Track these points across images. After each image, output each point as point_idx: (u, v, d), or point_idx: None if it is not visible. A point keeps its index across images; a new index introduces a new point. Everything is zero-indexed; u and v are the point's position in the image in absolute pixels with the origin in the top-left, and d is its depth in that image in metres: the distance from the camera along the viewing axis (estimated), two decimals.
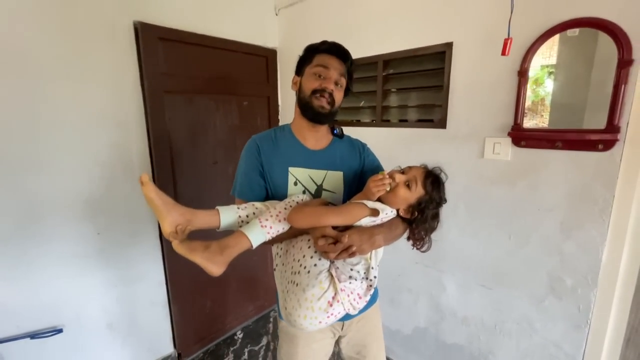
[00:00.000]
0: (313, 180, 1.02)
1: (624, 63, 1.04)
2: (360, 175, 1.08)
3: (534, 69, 1.25)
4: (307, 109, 0.99)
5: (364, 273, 0.88)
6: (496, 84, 1.34)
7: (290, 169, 1.00)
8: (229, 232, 0.87)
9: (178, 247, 0.78)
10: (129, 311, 1.74)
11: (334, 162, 1.05)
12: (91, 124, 1.49)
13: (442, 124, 1.53)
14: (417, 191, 0.87)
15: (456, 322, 1.62)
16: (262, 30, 2.17)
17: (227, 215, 0.88)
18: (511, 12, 1.12)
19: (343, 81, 0.99)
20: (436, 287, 1.66)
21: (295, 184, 1.00)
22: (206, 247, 0.80)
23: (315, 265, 0.85)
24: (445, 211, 0.94)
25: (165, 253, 1.83)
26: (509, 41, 1.15)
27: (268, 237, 0.85)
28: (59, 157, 1.42)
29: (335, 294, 0.84)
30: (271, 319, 2.45)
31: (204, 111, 1.93)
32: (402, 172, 0.89)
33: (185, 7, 1.75)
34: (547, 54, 1.28)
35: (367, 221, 0.85)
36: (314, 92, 0.96)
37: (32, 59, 1.31)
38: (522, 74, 1.24)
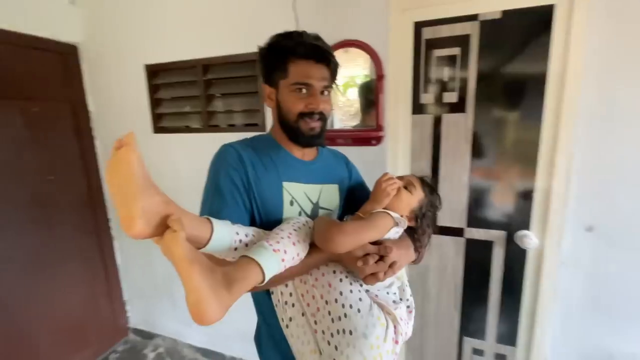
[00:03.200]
0: (309, 198, 0.82)
1: (379, 77, 1.36)
2: (348, 190, 0.93)
3: (357, 78, 1.44)
4: (294, 134, 0.79)
5: (399, 294, 0.75)
6: None
7: (285, 185, 0.79)
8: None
9: (176, 244, 0.47)
10: None
11: (328, 174, 0.89)
12: None
13: (263, 127, 1.63)
14: (418, 194, 0.80)
15: None
16: (51, 20, 1.79)
17: (222, 229, 0.60)
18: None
19: (329, 87, 0.80)
20: None
21: (292, 203, 0.79)
22: (211, 269, 0.50)
23: (360, 299, 0.66)
24: None
25: None
26: None
27: (282, 266, 0.61)
28: None
29: (395, 326, 0.68)
30: None
31: None
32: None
33: None
34: (364, 65, 1.47)
35: (393, 233, 0.74)
36: (301, 115, 0.77)
37: None
38: None
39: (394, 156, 1.42)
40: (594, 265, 1.23)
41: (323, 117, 0.79)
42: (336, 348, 0.63)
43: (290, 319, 0.71)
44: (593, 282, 1.24)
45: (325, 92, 0.79)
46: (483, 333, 1.47)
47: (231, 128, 1.75)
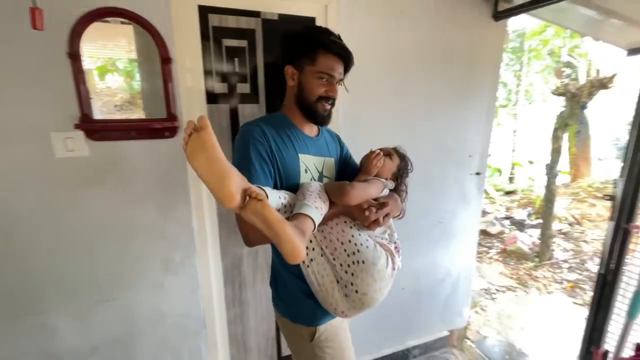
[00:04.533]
0: (316, 168, 1.00)
1: (165, 60, 1.20)
2: (341, 163, 1.12)
3: (122, 62, 1.25)
4: (310, 113, 0.98)
5: (389, 238, 0.98)
6: (47, 66, 1.09)
7: (300, 156, 0.96)
8: None
9: (268, 210, 0.65)
10: None
11: (327, 149, 1.07)
12: None
13: None
14: (395, 161, 1.06)
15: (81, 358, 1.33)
16: None
17: (272, 196, 0.76)
18: None
19: (341, 80, 0.99)
20: (42, 337, 1.24)
21: (306, 171, 0.96)
22: (290, 225, 0.69)
23: (367, 239, 0.89)
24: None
25: None
26: (37, 12, 0.94)
27: (321, 218, 0.80)
28: None
29: (392, 257, 0.92)
30: None
31: None
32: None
33: None
34: (128, 48, 1.27)
35: (384, 192, 0.98)
36: (319, 98, 0.95)
37: None
38: (74, 57, 1.08)
39: None
40: None
41: (333, 103, 0.99)
42: (353, 274, 0.85)
43: (312, 260, 0.89)
44: None
45: (338, 84, 0.97)
46: None
47: None
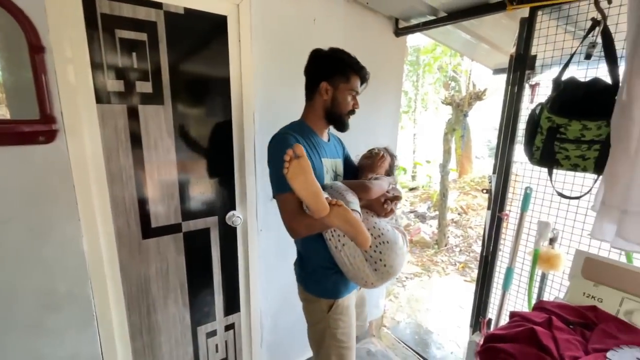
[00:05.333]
0: (332, 169, 1.16)
1: (36, 49, 0.98)
2: (343, 162, 1.28)
3: None
4: (339, 123, 1.14)
5: (394, 222, 1.19)
6: None
7: (323, 160, 1.11)
8: None
9: (349, 212, 0.90)
10: None
11: (336, 151, 1.23)
12: None
13: None
14: (389, 159, 1.32)
15: None
16: None
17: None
18: None
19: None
20: None
21: (327, 172, 1.12)
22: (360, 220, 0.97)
23: (385, 224, 1.09)
24: None
25: None
26: None
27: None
28: None
29: (404, 236, 1.13)
30: None
31: None
32: (372, 151, 1.31)
33: None
34: None
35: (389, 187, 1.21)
36: (349, 112, 1.14)
37: None
38: None
39: (80, 155, 1.11)
40: (278, 225, 1.65)
41: (354, 113, 1.16)
42: (381, 252, 1.03)
43: (343, 245, 1.03)
44: (279, 238, 1.66)
45: None
46: (213, 315, 1.57)
47: None
